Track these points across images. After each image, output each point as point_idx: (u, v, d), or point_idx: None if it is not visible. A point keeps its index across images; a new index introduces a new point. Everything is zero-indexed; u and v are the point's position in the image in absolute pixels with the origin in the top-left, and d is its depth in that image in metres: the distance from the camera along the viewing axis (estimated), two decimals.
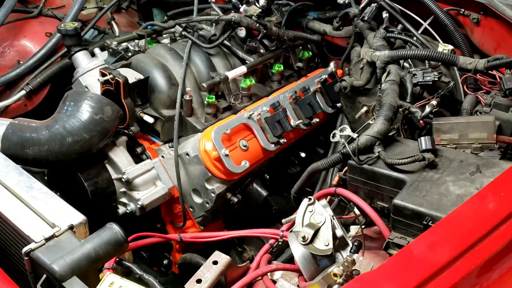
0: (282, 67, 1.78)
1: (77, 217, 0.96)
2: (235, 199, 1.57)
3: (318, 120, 1.69)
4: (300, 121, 1.63)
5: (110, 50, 1.67)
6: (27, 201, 0.97)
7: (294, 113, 1.65)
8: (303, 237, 1.02)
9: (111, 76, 1.49)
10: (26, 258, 0.87)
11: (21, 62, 2.02)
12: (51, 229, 0.91)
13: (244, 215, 1.71)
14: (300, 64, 1.85)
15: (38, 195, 1.00)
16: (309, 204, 1.07)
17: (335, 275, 0.92)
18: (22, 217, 0.94)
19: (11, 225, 0.93)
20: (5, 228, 0.95)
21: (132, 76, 1.53)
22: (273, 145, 1.57)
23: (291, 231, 1.12)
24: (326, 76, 1.75)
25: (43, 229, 0.91)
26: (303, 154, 1.80)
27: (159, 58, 1.62)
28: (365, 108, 1.57)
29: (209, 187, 1.52)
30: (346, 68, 1.62)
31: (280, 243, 1.24)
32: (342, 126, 1.19)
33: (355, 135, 1.15)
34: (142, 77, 1.54)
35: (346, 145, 1.13)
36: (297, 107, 1.66)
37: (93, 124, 1.42)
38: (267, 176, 1.69)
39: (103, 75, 1.52)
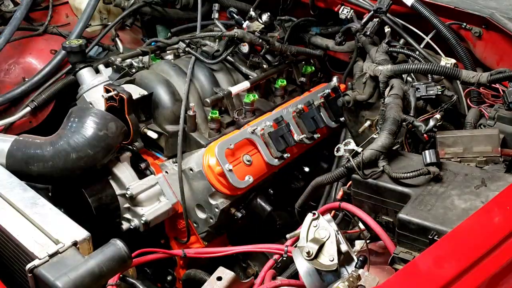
0: (285, 82, 1.79)
1: (81, 233, 0.96)
2: (239, 214, 1.56)
3: (321, 134, 1.69)
4: (304, 135, 1.63)
5: (114, 66, 1.68)
6: (31, 218, 0.97)
7: (298, 127, 1.65)
8: (308, 253, 1.02)
9: (115, 92, 1.50)
10: (29, 274, 0.87)
11: (26, 79, 2.03)
12: (55, 246, 0.91)
13: (248, 230, 1.71)
14: (303, 79, 1.86)
15: (42, 211, 1.00)
16: (313, 219, 1.07)
17: None
18: (26, 233, 0.94)
19: (15, 241, 0.93)
20: (9, 245, 0.95)
21: (136, 92, 1.54)
22: (276, 160, 1.56)
23: (295, 246, 1.12)
24: (329, 91, 1.75)
25: (47, 246, 0.91)
26: (306, 169, 1.79)
27: (163, 74, 1.63)
28: (368, 122, 1.57)
29: (213, 202, 1.52)
30: (349, 83, 1.63)
31: (284, 258, 1.23)
32: (346, 140, 1.18)
33: (359, 149, 1.15)
34: (146, 93, 1.55)
35: (351, 159, 1.13)
36: (301, 121, 1.66)
37: (97, 140, 1.43)
38: (271, 191, 1.69)
39: (107, 91, 1.52)
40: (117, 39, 2.15)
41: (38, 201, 1.03)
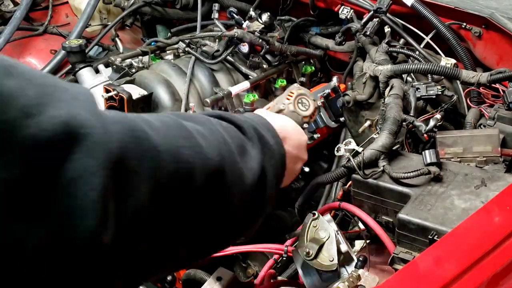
0: (285, 82, 1.78)
1: None
2: None
3: (321, 134, 1.69)
4: None
5: (114, 66, 1.68)
6: None
7: None
8: (308, 253, 1.02)
9: (115, 92, 1.50)
10: None
11: None
12: None
13: None
14: (303, 79, 1.86)
15: None
16: (313, 219, 1.07)
17: None
18: None
19: None
20: None
21: (136, 92, 1.54)
22: None
23: (295, 246, 1.12)
24: (329, 91, 1.75)
25: None
26: (306, 169, 1.79)
27: (163, 74, 1.63)
28: (368, 122, 1.57)
29: None
30: (349, 83, 1.63)
31: (284, 258, 1.23)
32: (347, 140, 1.18)
33: (360, 149, 1.15)
34: (145, 93, 1.55)
35: (351, 159, 1.13)
36: None
37: None
38: None
39: (107, 91, 1.52)
40: (117, 39, 2.16)
41: None
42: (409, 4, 1.53)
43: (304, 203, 1.38)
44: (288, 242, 1.22)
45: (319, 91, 1.79)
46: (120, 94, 1.49)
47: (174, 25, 2.25)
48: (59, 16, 2.27)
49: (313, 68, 1.89)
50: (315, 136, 1.66)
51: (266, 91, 1.80)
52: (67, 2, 2.31)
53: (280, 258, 1.24)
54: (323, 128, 1.71)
